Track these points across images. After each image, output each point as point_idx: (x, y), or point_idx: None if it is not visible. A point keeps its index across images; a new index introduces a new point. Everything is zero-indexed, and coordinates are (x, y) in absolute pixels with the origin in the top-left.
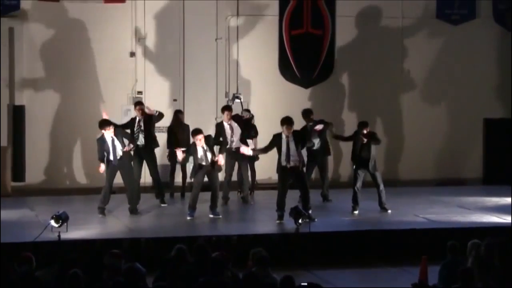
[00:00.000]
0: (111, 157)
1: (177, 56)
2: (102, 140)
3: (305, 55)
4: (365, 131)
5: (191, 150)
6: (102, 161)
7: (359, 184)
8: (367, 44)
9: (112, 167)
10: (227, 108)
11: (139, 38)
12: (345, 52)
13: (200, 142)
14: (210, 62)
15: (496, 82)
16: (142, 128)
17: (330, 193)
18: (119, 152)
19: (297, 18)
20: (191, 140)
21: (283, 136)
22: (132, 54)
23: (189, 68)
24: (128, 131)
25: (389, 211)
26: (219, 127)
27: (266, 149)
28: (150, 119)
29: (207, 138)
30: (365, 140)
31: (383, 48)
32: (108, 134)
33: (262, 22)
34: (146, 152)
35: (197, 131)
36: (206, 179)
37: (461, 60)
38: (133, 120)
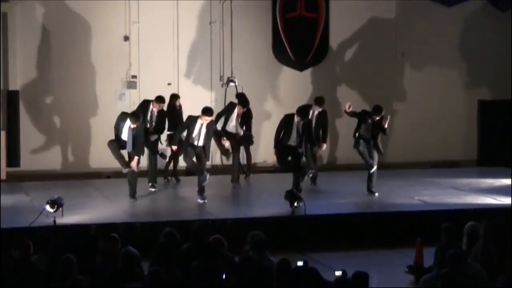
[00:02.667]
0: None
1: (171, 40)
2: (122, 119)
3: (299, 38)
4: (377, 117)
5: (189, 122)
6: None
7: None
8: (361, 27)
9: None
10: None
11: (133, 22)
12: (339, 35)
13: (204, 121)
14: (204, 45)
15: (490, 63)
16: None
17: (327, 175)
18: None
19: (291, 2)
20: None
21: (295, 120)
22: (126, 38)
23: (183, 52)
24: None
25: (376, 194)
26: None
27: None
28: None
29: (211, 124)
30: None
31: (378, 30)
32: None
33: (256, 5)
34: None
35: (208, 112)
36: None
37: (455, 42)
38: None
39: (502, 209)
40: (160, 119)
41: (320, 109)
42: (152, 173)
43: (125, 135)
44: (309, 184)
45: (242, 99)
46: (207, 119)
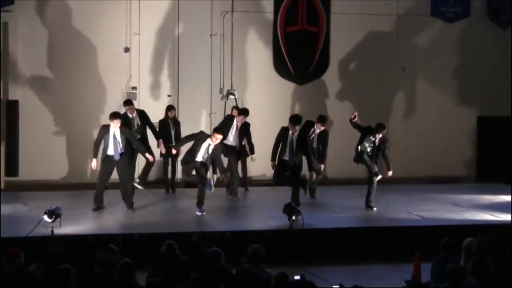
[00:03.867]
0: (111, 152)
1: (171, 52)
2: (105, 130)
3: (300, 52)
4: (379, 135)
5: (200, 137)
6: (95, 156)
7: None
8: (362, 42)
9: (108, 162)
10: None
11: (134, 33)
12: (340, 49)
13: (213, 142)
14: (205, 58)
15: (490, 80)
16: (139, 124)
17: (325, 189)
18: (120, 149)
19: (292, 15)
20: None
21: (289, 133)
22: (127, 50)
23: (184, 64)
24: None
25: (375, 208)
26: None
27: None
28: (144, 116)
29: (218, 146)
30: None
31: (378, 45)
32: (114, 127)
33: (257, 18)
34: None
35: (220, 131)
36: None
37: (455, 58)
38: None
39: (501, 226)
40: (143, 116)
41: (322, 128)
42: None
43: (112, 146)
44: (307, 198)
45: (242, 109)
46: (218, 138)
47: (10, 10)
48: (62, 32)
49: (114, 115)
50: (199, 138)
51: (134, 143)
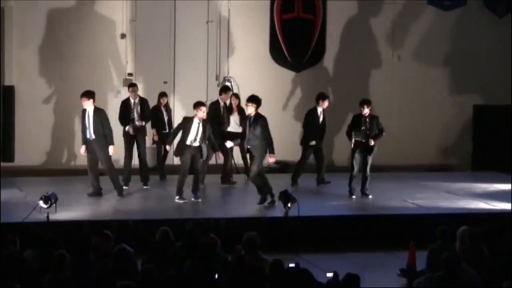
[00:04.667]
0: (87, 134)
1: (168, 39)
2: (83, 112)
3: (296, 39)
4: (367, 111)
5: (185, 123)
6: (82, 142)
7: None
8: (358, 29)
9: (89, 146)
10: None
11: (130, 20)
12: (336, 37)
13: (199, 118)
14: (201, 45)
15: (486, 68)
16: (139, 110)
17: (310, 177)
18: (92, 132)
19: (289, 2)
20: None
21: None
22: (123, 36)
23: (180, 51)
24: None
25: (370, 196)
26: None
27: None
28: (144, 100)
29: (206, 122)
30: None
31: (374, 33)
32: (86, 107)
33: (254, 5)
34: (141, 134)
35: (201, 104)
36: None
37: (451, 46)
38: (126, 101)
39: (495, 214)
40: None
41: (325, 106)
42: (144, 170)
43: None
44: (314, 185)
45: (226, 89)
46: (202, 109)
47: None
48: (58, 18)
49: (82, 94)
50: (185, 124)
51: (105, 129)
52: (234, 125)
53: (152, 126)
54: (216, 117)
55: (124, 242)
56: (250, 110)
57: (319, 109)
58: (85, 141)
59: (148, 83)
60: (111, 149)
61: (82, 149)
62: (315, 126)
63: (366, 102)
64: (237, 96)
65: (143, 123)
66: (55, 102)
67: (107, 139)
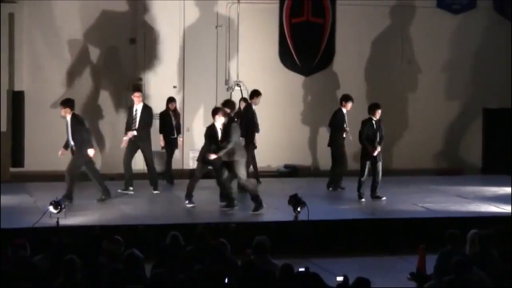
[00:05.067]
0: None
1: (177, 43)
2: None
3: (305, 43)
4: (378, 116)
5: (209, 133)
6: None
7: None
8: (368, 33)
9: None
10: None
11: (140, 24)
12: (345, 41)
13: (219, 122)
14: (211, 49)
15: (496, 71)
16: (139, 115)
17: (320, 181)
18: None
19: (298, 6)
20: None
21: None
22: (133, 41)
23: (189, 55)
24: None
25: (384, 198)
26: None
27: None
28: (146, 107)
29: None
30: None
31: (384, 37)
32: (64, 114)
33: (263, 9)
34: (142, 141)
35: (217, 109)
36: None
37: (461, 49)
38: (130, 107)
39: (506, 217)
40: (145, 107)
41: (349, 108)
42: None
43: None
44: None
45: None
46: (222, 114)
47: (16, 1)
48: (67, 23)
49: (61, 103)
50: (210, 134)
51: (77, 135)
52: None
53: (160, 131)
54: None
55: (134, 247)
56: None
57: (344, 110)
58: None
59: (158, 88)
60: (90, 152)
61: (60, 152)
62: (342, 126)
63: (378, 106)
64: (245, 100)
65: (135, 132)
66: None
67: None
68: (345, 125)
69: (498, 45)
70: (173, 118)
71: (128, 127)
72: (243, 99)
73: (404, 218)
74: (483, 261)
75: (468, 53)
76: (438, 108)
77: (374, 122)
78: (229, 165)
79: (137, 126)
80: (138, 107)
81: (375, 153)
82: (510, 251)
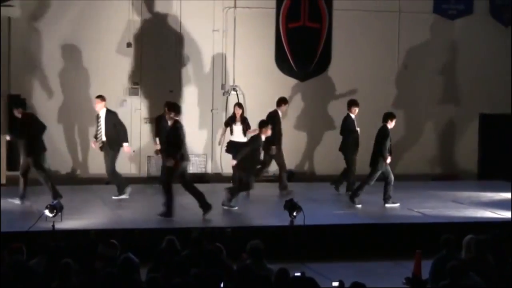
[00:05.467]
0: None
1: (173, 47)
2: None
3: (302, 48)
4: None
5: (257, 141)
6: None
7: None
8: (364, 38)
9: None
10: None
11: (136, 28)
12: (342, 46)
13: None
14: (207, 53)
15: (492, 77)
16: (103, 122)
17: (323, 186)
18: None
19: (294, 11)
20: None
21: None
22: (129, 45)
23: (186, 60)
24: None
25: (398, 204)
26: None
27: None
28: (109, 112)
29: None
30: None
31: (380, 42)
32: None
33: (260, 14)
34: (105, 148)
35: (265, 123)
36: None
37: (457, 55)
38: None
39: (501, 223)
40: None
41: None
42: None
43: None
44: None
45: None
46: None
47: (13, 5)
48: (64, 27)
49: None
50: (258, 142)
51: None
52: (238, 134)
53: (155, 135)
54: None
55: (130, 251)
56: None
57: (352, 115)
58: None
59: (154, 92)
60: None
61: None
62: (353, 132)
63: (395, 116)
64: (240, 105)
65: (96, 139)
66: (61, 112)
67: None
68: (356, 129)
69: (494, 51)
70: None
71: (96, 135)
72: (238, 104)
73: (400, 223)
74: (478, 267)
75: (464, 59)
76: (434, 113)
77: (388, 129)
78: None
79: (103, 132)
80: (101, 114)
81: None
82: (506, 257)
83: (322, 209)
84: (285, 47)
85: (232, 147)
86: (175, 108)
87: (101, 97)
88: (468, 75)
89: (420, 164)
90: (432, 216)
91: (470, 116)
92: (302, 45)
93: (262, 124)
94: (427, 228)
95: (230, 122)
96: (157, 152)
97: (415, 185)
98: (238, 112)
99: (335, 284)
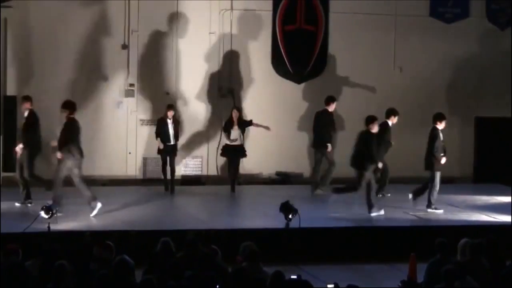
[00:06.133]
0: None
1: (170, 49)
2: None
3: (298, 50)
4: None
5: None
6: None
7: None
8: (360, 41)
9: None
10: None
11: (132, 30)
12: (338, 49)
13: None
14: (203, 56)
15: (487, 80)
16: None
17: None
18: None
19: (291, 14)
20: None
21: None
22: (125, 47)
23: (182, 62)
24: None
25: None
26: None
27: None
28: (31, 112)
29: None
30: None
31: (376, 45)
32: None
33: (256, 17)
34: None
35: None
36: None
37: (453, 58)
38: None
39: (497, 227)
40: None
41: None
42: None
43: None
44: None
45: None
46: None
47: (10, 5)
48: (60, 28)
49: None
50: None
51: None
52: (235, 138)
53: (156, 136)
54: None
55: (125, 253)
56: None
57: (390, 123)
58: None
59: (150, 94)
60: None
61: None
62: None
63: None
64: (238, 109)
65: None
66: (57, 113)
67: None
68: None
69: (491, 54)
70: (170, 126)
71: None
72: (235, 107)
73: (395, 226)
74: (473, 270)
75: (461, 62)
76: (429, 117)
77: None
78: None
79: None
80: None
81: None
82: (501, 260)
83: (317, 212)
84: (282, 50)
85: (228, 151)
86: (70, 106)
87: (26, 98)
88: (463, 78)
89: (416, 167)
90: (427, 220)
91: (466, 120)
92: (298, 47)
93: (370, 120)
94: (422, 231)
95: (228, 126)
96: (159, 151)
97: (411, 188)
98: (236, 115)
99: (330, 286)
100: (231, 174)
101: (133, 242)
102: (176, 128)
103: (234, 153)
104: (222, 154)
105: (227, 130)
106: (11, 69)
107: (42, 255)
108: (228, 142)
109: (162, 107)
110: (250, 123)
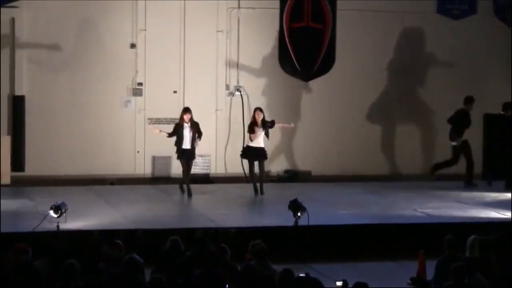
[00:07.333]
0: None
1: (177, 48)
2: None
3: (305, 48)
4: None
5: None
6: None
7: None
8: (368, 39)
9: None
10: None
11: (140, 29)
12: (345, 46)
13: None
14: (211, 54)
15: (496, 77)
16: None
17: (326, 186)
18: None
19: (298, 11)
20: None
21: None
22: (133, 46)
23: (190, 60)
24: None
25: None
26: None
27: None
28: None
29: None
30: None
31: (384, 42)
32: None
33: (263, 14)
34: None
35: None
36: None
37: (461, 55)
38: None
39: (506, 223)
40: None
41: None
42: None
43: None
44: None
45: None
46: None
47: (17, 6)
48: (68, 28)
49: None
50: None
51: None
52: (258, 140)
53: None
54: None
55: (134, 251)
56: None
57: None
58: None
59: (158, 93)
60: None
61: None
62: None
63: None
64: (261, 110)
65: None
66: (65, 112)
67: None
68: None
69: (499, 51)
70: (188, 130)
71: None
72: (258, 109)
73: (404, 224)
74: (482, 267)
75: (469, 59)
76: (438, 113)
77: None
78: None
79: None
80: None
81: None
82: (509, 257)
83: (326, 210)
84: (289, 48)
85: (249, 153)
86: None
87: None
88: (472, 75)
89: (424, 164)
90: (436, 217)
91: (475, 116)
92: (306, 45)
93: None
94: (431, 228)
95: (252, 127)
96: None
97: (419, 185)
98: (259, 116)
99: (339, 283)
100: (255, 178)
101: (142, 240)
102: (194, 132)
103: (255, 155)
104: (242, 156)
105: (251, 131)
106: (19, 69)
107: (51, 254)
108: (250, 144)
109: (170, 106)
110: (272, 123)
